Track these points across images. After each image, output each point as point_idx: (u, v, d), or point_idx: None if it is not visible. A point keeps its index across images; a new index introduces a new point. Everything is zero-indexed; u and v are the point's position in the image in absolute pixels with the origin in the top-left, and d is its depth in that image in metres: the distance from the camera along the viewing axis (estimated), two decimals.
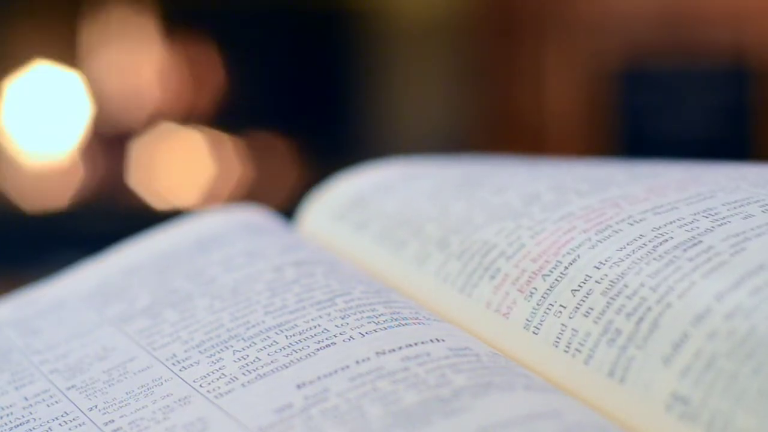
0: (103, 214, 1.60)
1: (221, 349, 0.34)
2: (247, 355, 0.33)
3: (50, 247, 1.48)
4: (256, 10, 1.69)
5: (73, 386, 0.34)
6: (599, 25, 1.68)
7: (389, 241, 0.40)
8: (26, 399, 0.34)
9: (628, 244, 0.32)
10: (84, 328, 0.37)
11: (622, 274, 0.31)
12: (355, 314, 0.34)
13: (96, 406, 0.33)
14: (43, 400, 0.34)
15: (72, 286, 0.41)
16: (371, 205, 0.42)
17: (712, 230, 0.31)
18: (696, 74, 1.64)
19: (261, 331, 0.34)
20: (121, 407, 0.32)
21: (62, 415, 0.33)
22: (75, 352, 0.36)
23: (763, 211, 0.31)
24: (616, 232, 0.33)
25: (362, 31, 1.71)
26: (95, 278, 0.41)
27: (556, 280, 0.33)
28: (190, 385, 0.32)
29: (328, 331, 0.33)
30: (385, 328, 0.33)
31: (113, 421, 0.32)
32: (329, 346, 0.32)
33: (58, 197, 1.65)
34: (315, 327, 0.33)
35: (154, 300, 0.38)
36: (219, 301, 0.36)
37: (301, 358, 0.32)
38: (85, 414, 0.33)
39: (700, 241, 0.30)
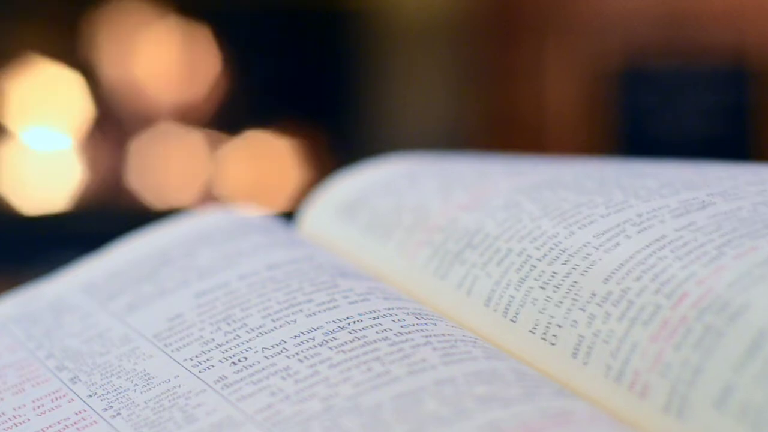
0: (103, 214, 1.60)
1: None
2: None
3: (50, 247, 1.48)
4: (257, 10, 1.69)
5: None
6: (599, 25, 1.68)
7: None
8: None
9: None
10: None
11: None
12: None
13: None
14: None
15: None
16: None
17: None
18: (696, 74, 1.65)
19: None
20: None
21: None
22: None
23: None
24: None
25: (362, 31, 1.71)
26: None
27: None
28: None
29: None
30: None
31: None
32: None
33: (58, 198, 1.65)
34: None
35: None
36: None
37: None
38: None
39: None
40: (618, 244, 0.34)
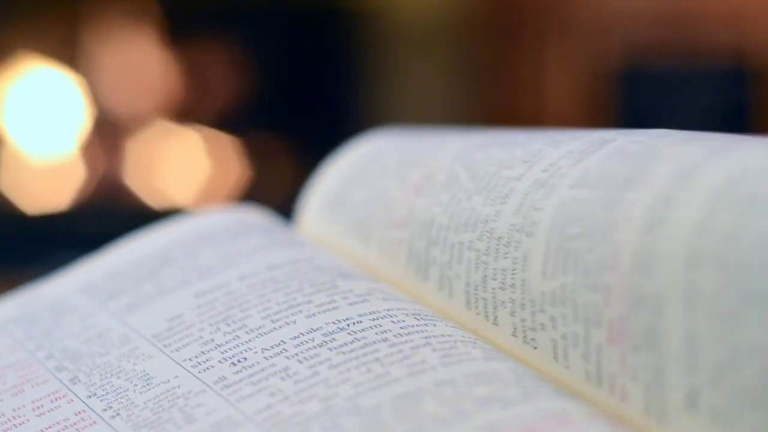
0: (102, 214, 1.60)
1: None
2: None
3: (49, 246, 1.48)
4: (256, 10, 1.69)
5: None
6: (599, 25, 1.68)
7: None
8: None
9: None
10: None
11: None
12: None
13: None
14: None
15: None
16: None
17: None
18: (696, 74, 1.65)
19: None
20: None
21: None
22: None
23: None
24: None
25: (362, 31, 1.71)
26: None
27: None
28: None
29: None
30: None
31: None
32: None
33: (57, 197, 1.65)
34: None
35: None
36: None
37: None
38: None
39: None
40: (534, 222, 0.32)
